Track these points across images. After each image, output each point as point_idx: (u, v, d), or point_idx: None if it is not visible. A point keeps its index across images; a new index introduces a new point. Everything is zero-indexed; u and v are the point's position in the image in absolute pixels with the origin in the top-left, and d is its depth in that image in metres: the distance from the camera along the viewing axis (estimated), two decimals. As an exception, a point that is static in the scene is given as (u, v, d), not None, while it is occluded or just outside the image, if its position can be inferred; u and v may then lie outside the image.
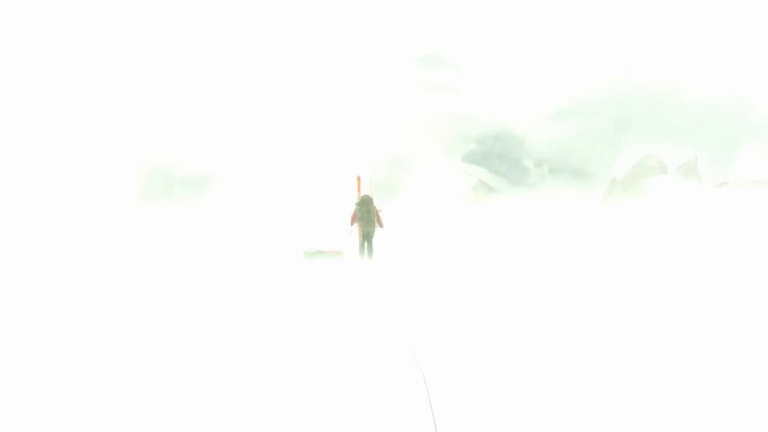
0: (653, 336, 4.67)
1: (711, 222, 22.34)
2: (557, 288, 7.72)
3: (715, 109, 45.11)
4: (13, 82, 53.64)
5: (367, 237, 13.95)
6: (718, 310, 5.65)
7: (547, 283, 8.17)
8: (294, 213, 37.72)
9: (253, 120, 53.68)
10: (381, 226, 14.11)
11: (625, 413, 3.05)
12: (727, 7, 65.69)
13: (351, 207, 14.29)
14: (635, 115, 49.32)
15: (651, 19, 70.48)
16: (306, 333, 5.16)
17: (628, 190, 36.04)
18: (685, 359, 3.97)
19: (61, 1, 66.38)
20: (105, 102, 55.22)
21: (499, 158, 50.07)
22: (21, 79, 54.68)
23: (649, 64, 54.37)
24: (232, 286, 8.62)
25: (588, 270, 9.94)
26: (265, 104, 55.59)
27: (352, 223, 14.24)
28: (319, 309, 6.43)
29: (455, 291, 7.72)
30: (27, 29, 61.09)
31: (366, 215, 13.87)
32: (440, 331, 5.15)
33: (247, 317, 5.99)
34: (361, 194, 14.26)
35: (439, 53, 67.21)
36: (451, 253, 15.35)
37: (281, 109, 55.31)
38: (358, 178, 14.61)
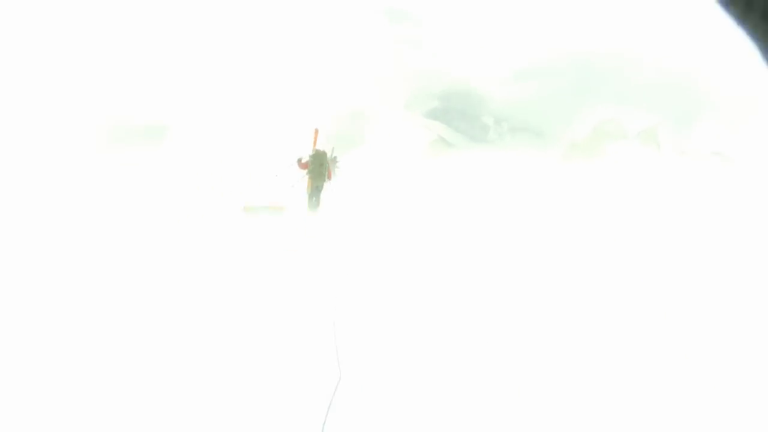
0: (602, 303, 4.57)
1: (668, 190, 22.43)
2: (507, 251, 7.54)
3: (675, 79, 45.20)
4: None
5: (316, 190, 14.43)
6: (669, 277, 5.67)
7: (497, 246, 8.17)
8: (244, 165, 36.52)
9: (212, 70, 51.63)
10: (329, 178, 14.58)
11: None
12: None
13: (305, 158, 14.63)
14: (597, 78, 48.98)
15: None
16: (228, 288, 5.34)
17: (586, 153, 35.89)
18: (630, 328, 4.08)
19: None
20: (62, 51, 51.71)
21: (460, 115, 48.99)
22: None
23: (613, 29, 54.28)
24: (157, 242, 8.74)
25: (541, 232, 9.91)
26: (224, 54, 53.38)
27: (300, 168, 14.68)
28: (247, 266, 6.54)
29: (393, 255, 7.55)
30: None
31: (318, 169, 14.33)
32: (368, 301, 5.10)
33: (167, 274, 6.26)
34: (316, 149, 14.66)
35: (405, 6, 65.72)
36: (399, 210, 15.70)
37: (240, 59, 53.23)
38: (316, 132, 14.79)
